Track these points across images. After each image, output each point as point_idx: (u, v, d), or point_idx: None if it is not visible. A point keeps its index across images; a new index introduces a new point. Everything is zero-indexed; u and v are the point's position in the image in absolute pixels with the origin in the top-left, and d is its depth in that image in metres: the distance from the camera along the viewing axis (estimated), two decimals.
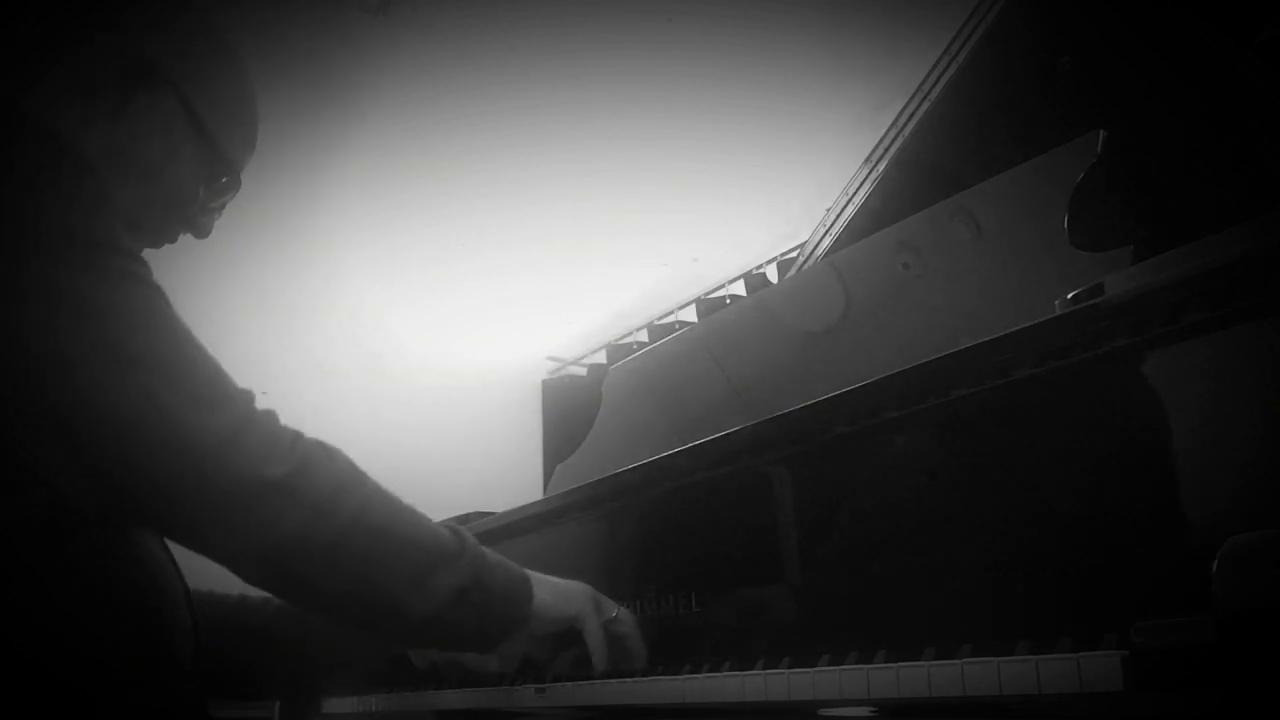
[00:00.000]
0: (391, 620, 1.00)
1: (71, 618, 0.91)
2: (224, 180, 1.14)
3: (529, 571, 1.09)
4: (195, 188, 1.12)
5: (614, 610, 1.14)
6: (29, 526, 0.89)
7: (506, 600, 1.05)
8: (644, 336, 4.07)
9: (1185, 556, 0.69)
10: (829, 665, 0.87)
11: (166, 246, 1.15)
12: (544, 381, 4.28)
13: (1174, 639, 0.64)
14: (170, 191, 1.10)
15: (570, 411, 3.92)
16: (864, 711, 0.86)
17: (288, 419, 0.96)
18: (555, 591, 1.10)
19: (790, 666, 0.90)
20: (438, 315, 3.76)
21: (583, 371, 4.29)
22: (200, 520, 0.90)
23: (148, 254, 1.11)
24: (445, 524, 1.04)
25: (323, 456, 0.95)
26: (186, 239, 1.17)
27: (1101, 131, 1.11)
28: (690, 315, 3.96)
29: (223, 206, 1.17)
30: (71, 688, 0.90)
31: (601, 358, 4.21)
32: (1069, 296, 0.84)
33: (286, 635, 1.25)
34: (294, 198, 3.16)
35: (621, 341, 4.16)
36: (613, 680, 1.09)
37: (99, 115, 1.04)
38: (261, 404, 0.95)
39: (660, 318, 4.10)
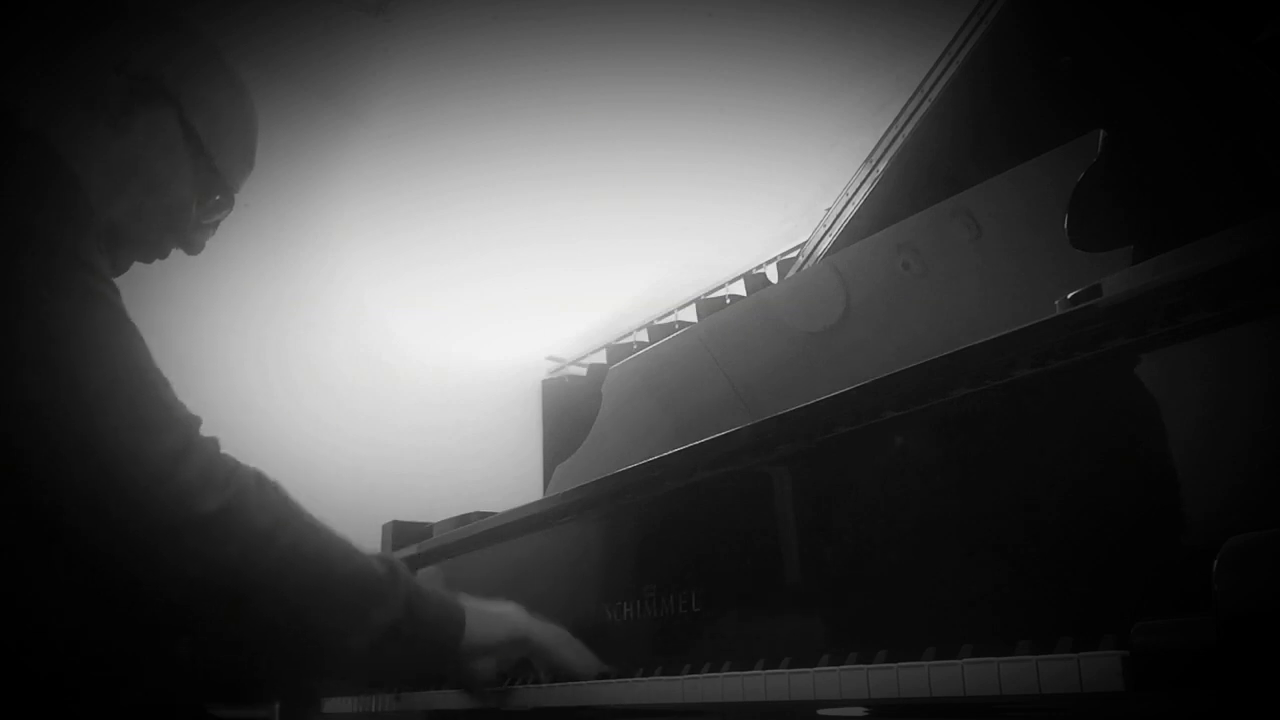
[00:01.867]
0: (321, 659, 1.00)
1: (63, 615, 0.91)
2: (218, 198, 1.15)
3: (463, 598, 1.10)
4: (191, 204, 1.12)
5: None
6: (20, 523, 0.89)
7: (438, 630, 1.06)
8: (644, 336, 4.07)
9: (1185, 556, 0.69)
10: (829, 665, 0.87)
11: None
12: (544, 381, 4.29)
13: (1174, 639, 0.64)
14: (168, 207, 1.10)
15: (570, 411, 3.92)
16: (863, 712, 0.86)
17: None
18: (486, 617, 1.12)
19: (790, 666, 0.90)
20: (438, 315, 3.76)
21: (583, 371, 4.29)
22: (130, 552, 0.89)
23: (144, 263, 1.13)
24: (378, 556, 1.04)
25: (257, 490, 0.94)
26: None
27: (1101, 131, 1.11)
28: (690, 315, 3.96)
29: (216, 224, 1.18)
30: (63, 685, 0.90)
31: (601, 358, 4.21)
32: (1069, 297, 0.84)
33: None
34: (294, 198, 3.16)
35: (621, 341, 4.16)
36: (612, 680, 1.09)
37: (101, 127, 1.05)
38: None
39: (660, 318, 4.10)
